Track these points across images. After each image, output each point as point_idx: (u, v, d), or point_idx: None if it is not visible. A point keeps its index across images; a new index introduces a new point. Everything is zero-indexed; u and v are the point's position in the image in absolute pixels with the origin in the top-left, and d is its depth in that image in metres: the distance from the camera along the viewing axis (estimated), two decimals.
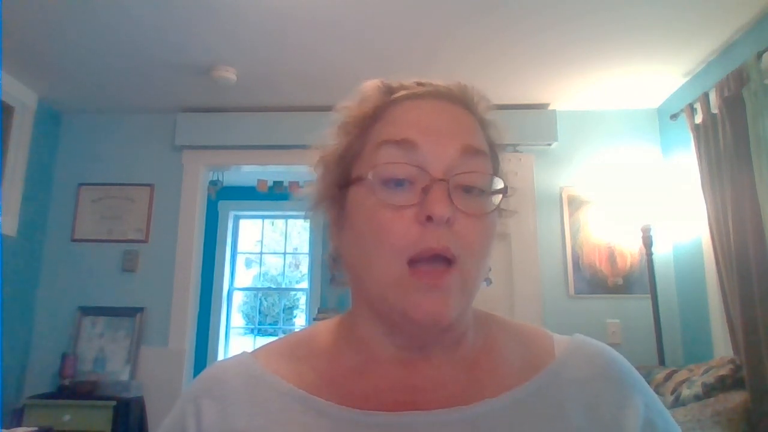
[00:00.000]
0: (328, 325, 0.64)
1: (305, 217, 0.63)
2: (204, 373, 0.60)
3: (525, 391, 0.55)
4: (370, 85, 0.61)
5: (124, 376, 3.06)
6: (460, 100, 0.59)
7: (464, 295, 0.53)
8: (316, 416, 0.53)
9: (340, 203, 0.58)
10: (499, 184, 0.56)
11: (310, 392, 0.55)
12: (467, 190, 0.54)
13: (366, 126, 0.58)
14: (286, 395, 0.55)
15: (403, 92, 0.59)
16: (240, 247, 5.33)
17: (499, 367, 0.57)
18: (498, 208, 0.59)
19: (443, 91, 0.59)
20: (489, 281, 0.60)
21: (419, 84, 0.60)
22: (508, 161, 0.63)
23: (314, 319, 3.82)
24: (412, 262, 0.51)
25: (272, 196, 3.66)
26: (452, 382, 0.55)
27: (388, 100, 0.58)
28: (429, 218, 0.50)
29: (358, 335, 0.58)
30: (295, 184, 3.61)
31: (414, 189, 0.53)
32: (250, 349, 0.63)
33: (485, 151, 0.57)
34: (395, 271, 0.51)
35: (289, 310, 6.04)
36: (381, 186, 0.53)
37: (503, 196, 0.60)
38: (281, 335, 0.71)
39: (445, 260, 0.51)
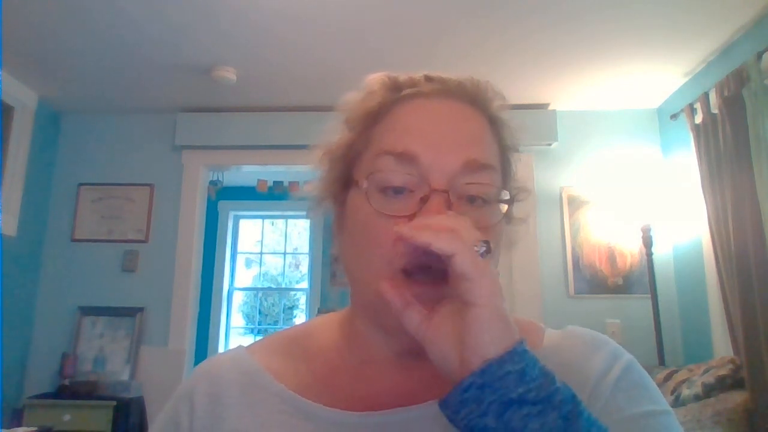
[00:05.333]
0: (326, 321, 0.63)
1: (307, 216, 0.62)
2: (199, 369, 0.60)
3: None
4: (376, 78, 0.58)
5: (124, 376, 3.06)
6: (471, 99, 0.56)
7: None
8: (303, 419, 0.52)
9: (342, 202, 0.57)
10: (506, 194, 0.54)
11: (302, 392, 0.54)
12: (470, 200, 0.52)
13: (369, 124, 0.56)
14: (276, 396, 0.54)
15: (409, 90, 0.56)
16: (240, 247, 5.33)
17: None
18: (505, 216, 0.57)
19: (453, 88, 0.56)
20: None
21: (428, 79, 0.57)
22: (523, 183, 0.61)
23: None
24: (407, 272, 0.48)
25: (272, 196, 3.67)
26: (446, 381, 0.54)
27: (394, 98, 0.56)
28: None
29: (356, 334, 0.57)
30: (295, 184, 3.62)
31: (412, 198, 0.50)
32: (246, 344, 0.62)
33: (491, 164, 0.54)
34: (386, 276, 0.48)
35: (289, 310, 6.04)
36: (377, 193, 0.51)
37: (512, 203, 0.57)
38: None
39: (442, 271, 0.48)
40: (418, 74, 0.58)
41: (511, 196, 0.57)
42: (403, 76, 0.58)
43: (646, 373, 0.55)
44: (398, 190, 0.51)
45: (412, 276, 0.49)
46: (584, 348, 0.55)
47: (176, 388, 0.60)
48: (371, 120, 0.56)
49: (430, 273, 0.48)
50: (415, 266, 0.48)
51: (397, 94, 0.56)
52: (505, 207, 0.54)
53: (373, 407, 0.52)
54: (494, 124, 0.57)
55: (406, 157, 0.51)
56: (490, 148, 0.55)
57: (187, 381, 0.59)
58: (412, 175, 0.51)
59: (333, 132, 0.59)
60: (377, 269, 0.50)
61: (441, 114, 0.54)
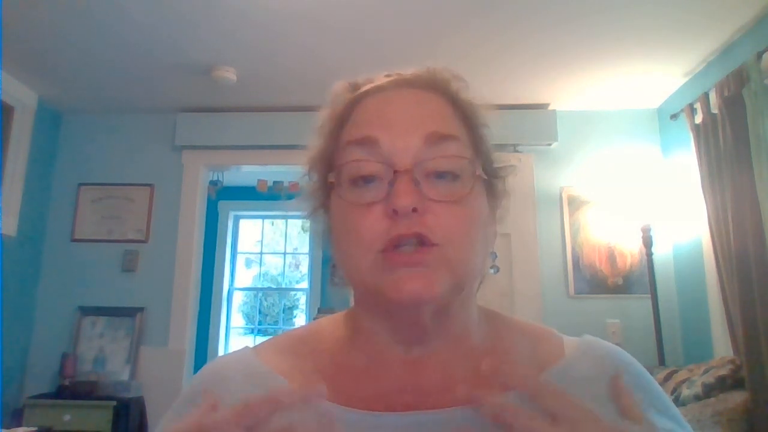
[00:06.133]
0: (332, 321, 0.62)
1: (303, 222, 0.63)
2: (204, 371, 0.59)
3: None
4: (339, 85, 0.61)
5: (124, 376, 3.06)
6: (428, 85, 0.57)
7: (450, 272, 0.50)
8: (316, 418, 0.52)
9: (328, 208, 0.58)
10: (478, 168, 0.54)
11: None
12: (439, 176, 0.52)
13: (336, 127, 0.58)
14: None
15: (366, 87, 0.58)
16: (240, 247, 5.33)
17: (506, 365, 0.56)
18: (488, 191, 0.57)
19: (409, 78, 0.58)
20: (496, 269, 0.58)
21: (386, 75, 0.59)
22: (507, 161, 0.62)
23: (314, 320, 3.82)
24: (386, 252, 0.50)
25: (272, 196, 3.66)
26: (460, 383, 0.53)
27: (354, 97, 0.58)
28: (395, 212, 0.49)
29: (361, 332, 0.57)
30: (295, 184, 3.61)
31: (382, 184, 0.51)
32: (252, 345, 0.62)
33: (455, 134, 0.54)
34: (369, 259, 0.50)
35: (289, 310, 6.04)
36: (349, 187, 0.53)
37: (491, 177, 0.58)
38: None
39: (421, 242, 0.49)
40: (379, 74, 0.60)
41: (488, 171, 0.57)
42: (362, 79, 0.60)
43: (677, 412, 0.57)
44: (368, 180, 0.52)
45: (390, 250, 0.50)
46: (608, 371, 0.55)
47: (180, 391, 0.59)
48: (338, 123, 0.58)
49: (410, 244, 0.49)
50: (393, 245, 0.50)
51: (356, 93, 0.58)
52: (477, 181, 0.54)
53: (384, 407, 0.52)
54: (456, 103, 0.58)
55: (367, 143, 0.53)
56: (451, 122, 0.55)
57: (192, 384, 0.58)
58: (377, 161, 0.52)
59: (310, 143, 0.61)
60: (361, 254, 0.51)
61: (398, 100, 0.56)
